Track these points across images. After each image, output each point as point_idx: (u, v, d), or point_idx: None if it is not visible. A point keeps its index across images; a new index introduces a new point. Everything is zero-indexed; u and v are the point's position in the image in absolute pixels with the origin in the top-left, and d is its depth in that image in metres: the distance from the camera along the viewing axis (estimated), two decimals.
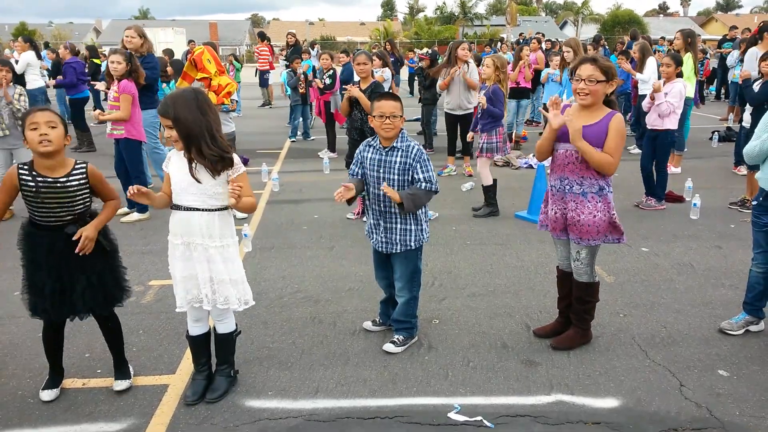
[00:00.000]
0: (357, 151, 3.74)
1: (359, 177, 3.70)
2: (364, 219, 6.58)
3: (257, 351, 3.82)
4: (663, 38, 19.86)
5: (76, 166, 3.12)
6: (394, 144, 3.55)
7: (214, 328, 3.35)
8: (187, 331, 3.35)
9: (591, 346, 3.81)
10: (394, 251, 3.66)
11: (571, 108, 3.60)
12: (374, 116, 3.52)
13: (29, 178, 3.03)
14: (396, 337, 3.82)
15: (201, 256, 3.11)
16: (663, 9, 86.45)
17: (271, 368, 3.61)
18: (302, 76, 11.25)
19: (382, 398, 3.31)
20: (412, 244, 3.64)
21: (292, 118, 11.79)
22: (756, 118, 6.40)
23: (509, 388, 3.39)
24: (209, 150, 2.95)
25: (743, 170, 7.79)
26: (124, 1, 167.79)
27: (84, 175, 3.12)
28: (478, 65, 8.16)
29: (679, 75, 6.68)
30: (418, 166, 3.51)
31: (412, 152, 3.52)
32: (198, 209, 3.07)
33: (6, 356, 3.76)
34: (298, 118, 11.76)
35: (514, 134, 10.79)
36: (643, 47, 9.45)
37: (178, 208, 3.11)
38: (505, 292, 4.68)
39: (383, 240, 3.67)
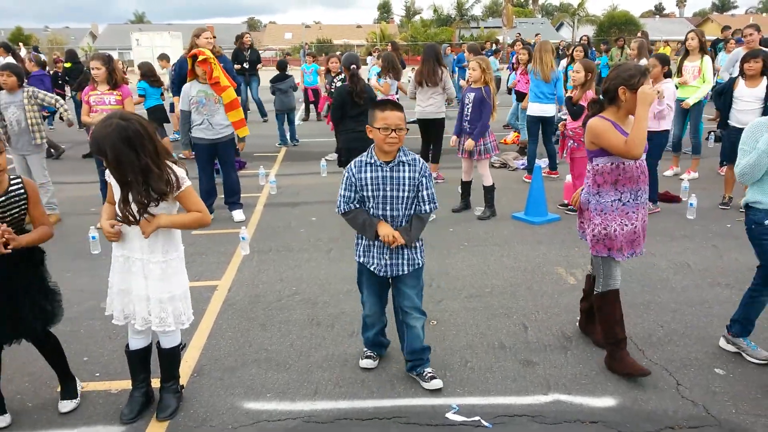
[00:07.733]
0: (348, 176, 3.27)
1: (358, 205, 3.28)
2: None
3: (255, 353, 3.83)
4: (659, 40, 19.88)
5: (12, 182, 2.96)
6: (401, 158, 3.21)
7: (158, 342, 3.15)
8: (127, 344, 3.16)
9: (588, 346, 3.84)
10: (400, 273, 3.33)
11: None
12: (377, 128, 3.14)
13: None
14: (428, 370, 3.46)
15: (139, 272, 2.95)
16: (659, 10, 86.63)
17: (270, 370, 3.63)
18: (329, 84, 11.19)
19: (380, 399, 3.32)
20: (419, 261, 3.37)
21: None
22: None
23: (507, 388, 3.41)
24: (138, 197, 2.75)
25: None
26: (120, 4, 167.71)
27: (21, 187, 2.97)
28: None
29: (667, 75, 6.70)
30: (424, 180, 3.23)
31: (418, 166, 3.23)
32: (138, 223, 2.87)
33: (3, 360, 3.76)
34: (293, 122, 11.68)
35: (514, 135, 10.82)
36: (640, 45, 9.45)
37: (119, 220, 2.91)
38: (502, 293, 4.69)
39: (389, 262, 3.30)
